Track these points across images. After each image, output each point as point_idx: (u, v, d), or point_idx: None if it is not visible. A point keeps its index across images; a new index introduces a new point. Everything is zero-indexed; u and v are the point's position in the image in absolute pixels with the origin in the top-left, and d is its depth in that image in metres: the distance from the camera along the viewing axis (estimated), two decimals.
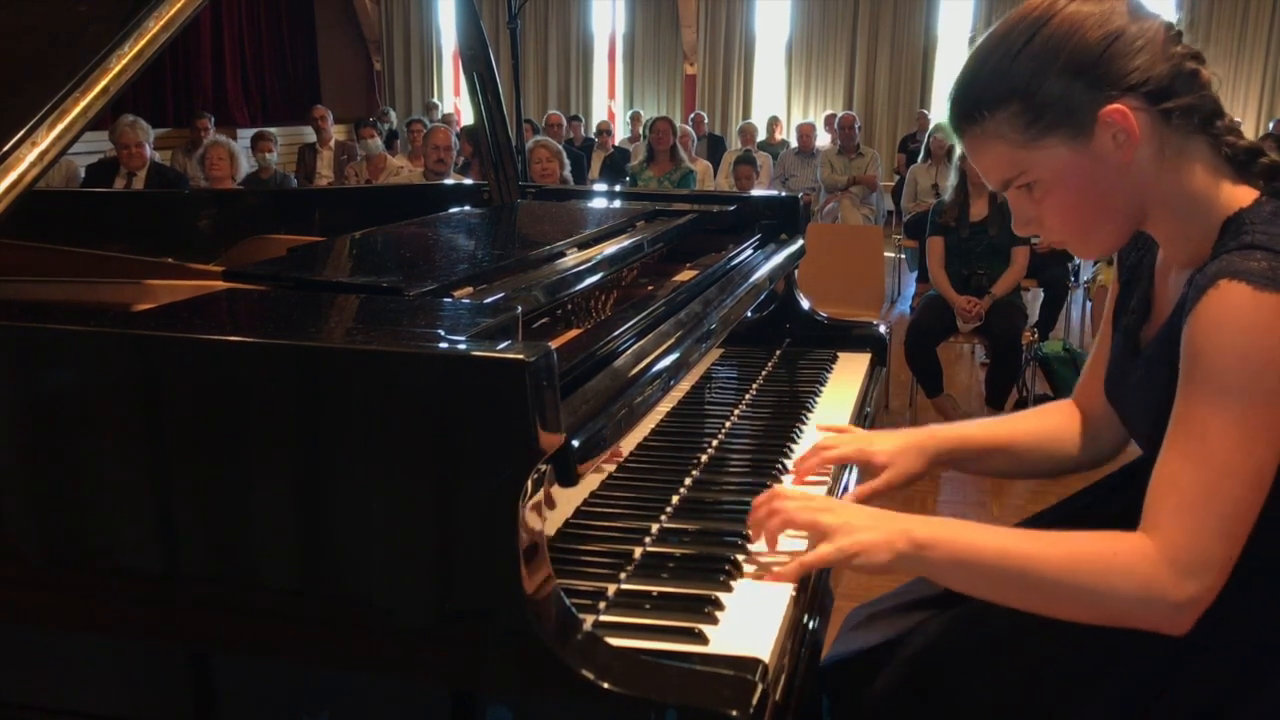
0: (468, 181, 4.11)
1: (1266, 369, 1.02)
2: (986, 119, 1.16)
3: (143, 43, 1.28)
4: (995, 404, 4.82)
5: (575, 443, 1.09)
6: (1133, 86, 1.11)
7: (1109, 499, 1.40)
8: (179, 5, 1.31)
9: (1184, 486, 1.05)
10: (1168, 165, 1.14)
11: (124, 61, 1.26)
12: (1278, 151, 1.18)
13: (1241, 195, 1.15)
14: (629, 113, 12.53)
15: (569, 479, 1.10)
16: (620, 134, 12.24)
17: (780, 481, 1.51)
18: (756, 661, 1.02)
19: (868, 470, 1.46)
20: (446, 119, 11.97)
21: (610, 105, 14.40)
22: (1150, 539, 1.05)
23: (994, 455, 1.47)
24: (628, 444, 1.52)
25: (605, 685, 0.94)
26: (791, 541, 1.28)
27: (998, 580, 1.13)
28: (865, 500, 1.39)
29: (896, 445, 1.45)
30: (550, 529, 1.21)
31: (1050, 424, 1.47)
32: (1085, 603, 1.09)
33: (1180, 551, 1.04)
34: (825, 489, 1.50)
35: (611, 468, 1.47)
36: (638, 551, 1.27)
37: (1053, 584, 1.09)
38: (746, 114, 13.55)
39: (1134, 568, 1.05)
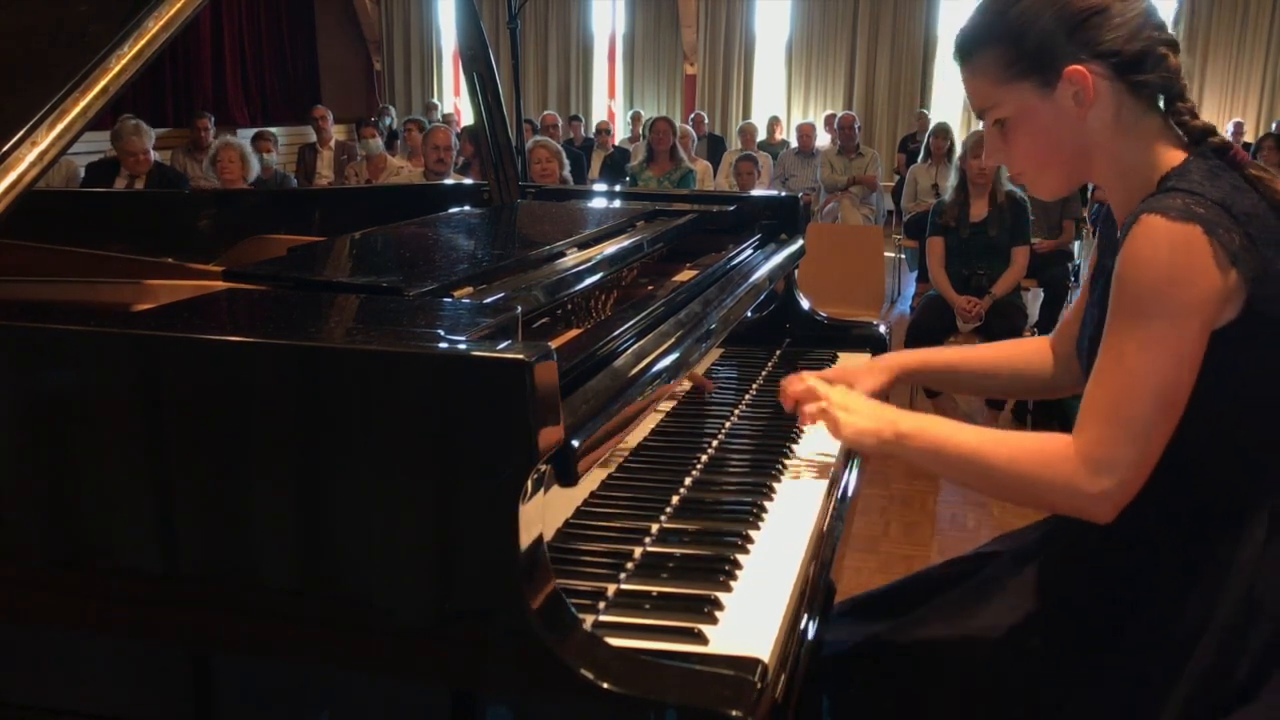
0: (468, 181, 4.11)
1: (1175, 291, 1.14)
2: (976, 55, 1.32)
3: (143, 43, 1.28)
4: (995, 404, 4.83)
5: (575, 443, 1.09)
6: (1101, 54, 1.24)
7: None
8: (179, 5, 1.31)
9: (1100, 397, 1.20)
10: (1121, 129, 1.27)
11: (124, 61, 1.26)
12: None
13: (1177, 159, 1.26)
14: (629, 113, 12.53)
15: (569, 479, 1.10)
16: (620, 134, 12.24)
17: (780, 481, 1.51)
18: (756, 661, 1.02)
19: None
20: (446, 119, 11.97)
21: (610, 105, 14.39)
22: (1073, 441, 1.22)
23: (963, 373, 1.67)
24: (628, 444, 1.52)
25: (605, 685, 0.94)
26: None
27: (957, 467, 1.32)
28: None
29: (865, 364, 1.70)
30: (550, 529, 1.21)
31: (1022, 351, 1.65)
32: (1021, 489, 1.27)
33: (1092, 453, 1.19)
34: (825, 487, 1.50)
35: (612, 467, 1.47)
36: (638, 551, 1.27)
37: (998, 473, 1.27)
38: (746, 114, 13.54)
39: (1056, 464, 1.22)
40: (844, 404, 1.43)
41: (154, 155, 6.03)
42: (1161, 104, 1.27)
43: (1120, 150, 1.28)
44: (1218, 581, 1.21)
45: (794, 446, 1.67)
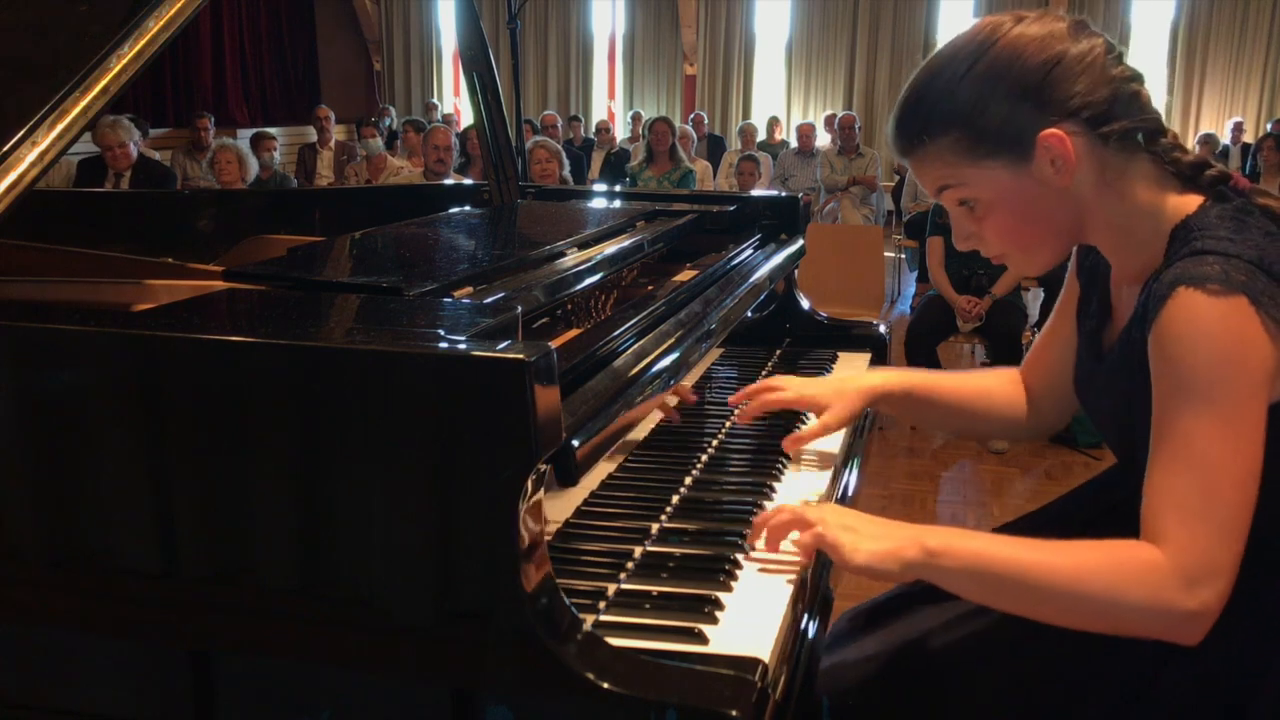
0: (468, 181, 4.11)
1: (1237, 369, 1.04)
2: (928, 144, 1.17)
3: (143, 43, 1.28)
4: None
5: (575, 443, 1.09)
6: (1073, 112, 1.13)
7: (1100, 497, 1.41)
8: (179, 5, 1.31)
9: (1181, 495, 1.05)
10: (1109, 186, 1.16)
11: (124, 61, 1.26)
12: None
13: (1187, 203, 1.16)
14: (629, 113, 12.53)
15: (569, 479, 1.10)
16: (620, 134, 12.24)
17: (780, 481, 1.51)
18: (756, 661, 1.02)
19: (814, 412, 1.56)
20: (446, 119, 11.97)
21: (610, 105, 14.40)
22: (1158, 549, 1.05)
23: (934, 406, 1.54)
24: (627, 444, 1.52)
25: (605, 685, 0.94)
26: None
27: (1008, 590, 1.12)
28: (808, 439, 1.53)
29: (833, 388, 1.54)
30: (550, 529, 1.21)
31: (995, 387, 1.52)
32: (1096, 614, 1.08)
33: (1188, 560, 1.03)
34: (826, 486, 1.50)
35: (612, 467, 1.47)
36: (638, 551, 1.27)
37: (1063, 595, 1.09)
38: (746, 114, 13.55)
39: (1144, 579, 1.05)
40: (844, 523, 1.18)
41: (134, 150, 6.00)
42: (1142, 142, 1.16)
43: (1114, 209, 1.17)
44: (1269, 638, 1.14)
45: None
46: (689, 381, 1.86)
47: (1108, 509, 1.34)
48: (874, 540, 1.15)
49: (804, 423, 1.74)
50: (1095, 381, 1.29)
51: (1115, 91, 1.14)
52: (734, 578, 1.21)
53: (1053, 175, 1.14)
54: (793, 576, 1.22)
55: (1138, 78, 1.17)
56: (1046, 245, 1.22)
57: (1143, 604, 1.05)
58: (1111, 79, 1.14)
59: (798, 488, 1.50)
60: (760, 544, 1.26)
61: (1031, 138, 1.13)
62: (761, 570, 1.23)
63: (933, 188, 1.22)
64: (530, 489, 0.98)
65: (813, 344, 2.26)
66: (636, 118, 11.76)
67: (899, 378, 1.56)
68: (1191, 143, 9.83)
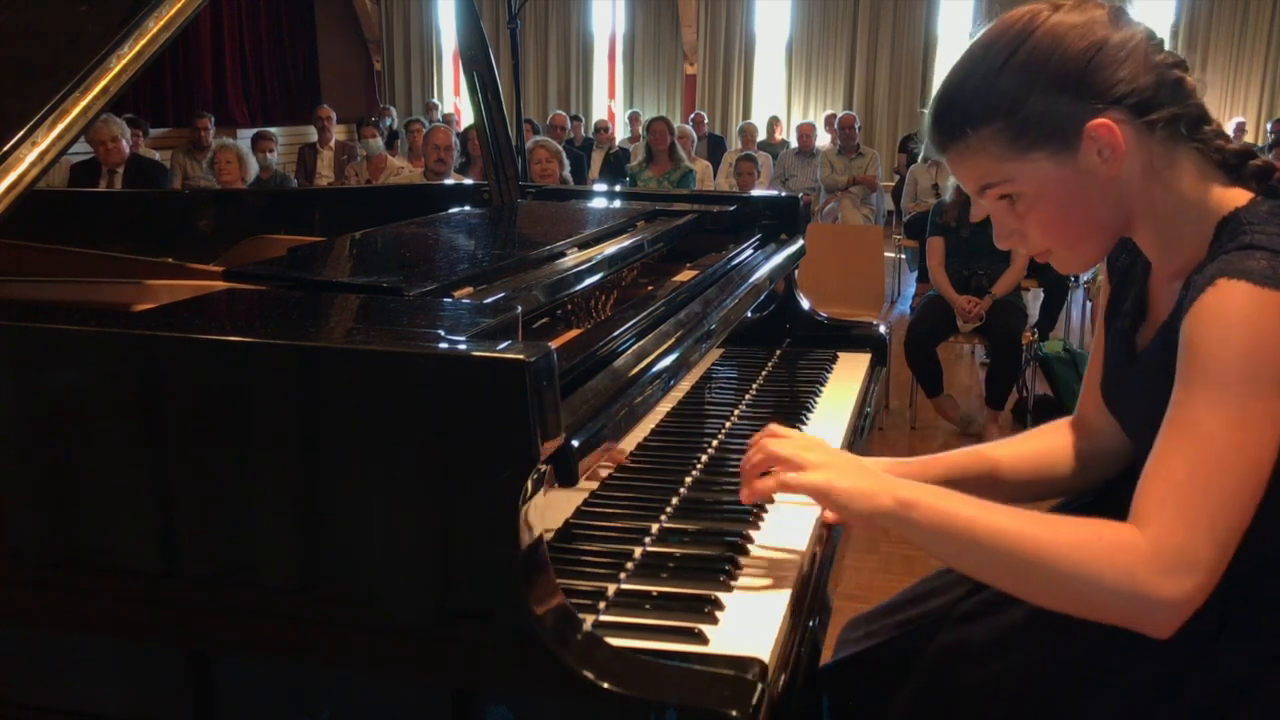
0: (468, 181, 4.11)
1: (1265, 365, 1.01)
2: (969, 136, 1.14)
3: (143, 43, 1.28)
4: (995, 404, 4.83)
5: (575, 443, 1.09)
6: (1118, 99, 1.10)
7: (1110, 496, 1.40)
8: (179, 5, 1.31)
9: (1176, 479, 1.02)
10: (1156, 176, 1.13)
11: (124, 61, 1.26)
12: None
13: (1234, 197, 1.13)
14: (629, 112, 12.54)
15: (569, 479, 1.10)
16: (620, 134, 12.24)
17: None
18: (756, 661, 1.02)
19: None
20: (447, 119, 11.98)
21: (610, 105, 14.40)
22: (1139, 531, 1.02)
23: (985, 485, 1.40)
24: (628, 444, 1.52)
25: (605, 685, 0.94)
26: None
27: (975, 553, 1.09)
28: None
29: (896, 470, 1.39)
30: (550, 529, 1.21)
31: (1045, 447, 1.42)
32: (1063, 589, 1.05)
33: (1167, 547, 1.00)
34: None
35: (612, 467, 1.47)
36: (638, 551, 1.27)
37: (1030, 564, 1.05)
38: (746, 114, 13.55)
39: (1118, 559, 1.01)
40: (824, 460, 1.18)
41: (125, 145, 6.01)
42: (1185, 131, 1.12)
43: (1160, 199, 1.14)
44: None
45: None
46: (689, 382, 1.86)
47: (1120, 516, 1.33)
48: (849, 477, 1.16)
49: (805, 421, 1.74)
50: (1127, 383, 1.25)
51: (1159, 78, 1.11)
52: (734, 578, 1.21)
53: (1100, 165, 1.11)
54: (793, 577, 1.22)
55: (1181, 64, 1.13)
56: (1091, 239, 1.18)
57: (1112, 584, 1.01)
58: (1155, 65, 1.11)
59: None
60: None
61: (1077, 127, 1.10)
62: (761, 571, 1.23)
63: (974, 185, 1.18)
64: (530, 489, 0.98)
65: (813, 344, 2.26)
66: (635, 117, 11.75)
67: (944, 465, 1.42)
68: None
